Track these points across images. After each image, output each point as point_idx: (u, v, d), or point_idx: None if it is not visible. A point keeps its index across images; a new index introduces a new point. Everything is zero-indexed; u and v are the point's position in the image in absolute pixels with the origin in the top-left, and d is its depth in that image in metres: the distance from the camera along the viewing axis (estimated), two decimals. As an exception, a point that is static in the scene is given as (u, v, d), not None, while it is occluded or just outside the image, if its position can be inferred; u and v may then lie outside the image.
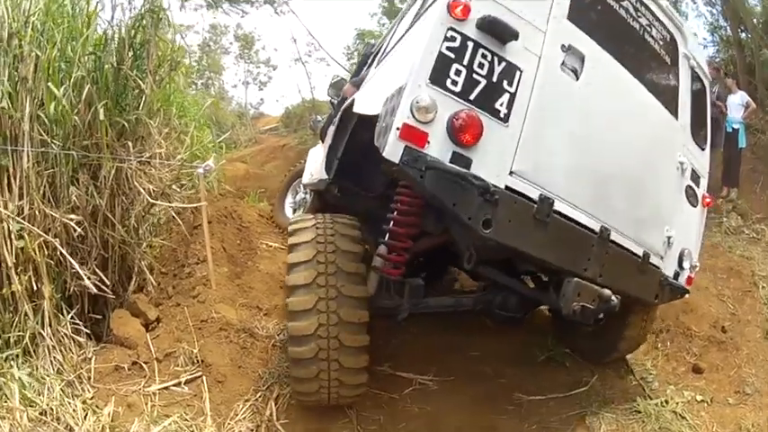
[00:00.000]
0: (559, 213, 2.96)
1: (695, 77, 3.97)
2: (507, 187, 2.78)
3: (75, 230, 3.79)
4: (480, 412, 3.86)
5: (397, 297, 3.52)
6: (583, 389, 4.21)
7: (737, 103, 8.77)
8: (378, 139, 2.76)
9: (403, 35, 3.86)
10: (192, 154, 5.26)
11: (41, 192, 3.76)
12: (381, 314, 3.53)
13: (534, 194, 2.86)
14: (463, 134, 2.63)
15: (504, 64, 2.77)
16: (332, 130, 4.62)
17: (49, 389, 3.29)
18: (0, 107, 3.64)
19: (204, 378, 3.76)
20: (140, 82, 4.19)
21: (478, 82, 2.71)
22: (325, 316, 3.13)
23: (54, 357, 3.51)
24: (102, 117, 3.80)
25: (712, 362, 4.88)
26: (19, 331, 3.47)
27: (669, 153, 3.67)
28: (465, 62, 2.68)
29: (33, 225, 3.61)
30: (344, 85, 5.54)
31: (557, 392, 4.15)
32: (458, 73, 2.67)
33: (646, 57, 3.63)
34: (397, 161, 2.56)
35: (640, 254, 3.43)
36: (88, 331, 3.94)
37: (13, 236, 3.50)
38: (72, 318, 3.80)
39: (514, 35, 2.75)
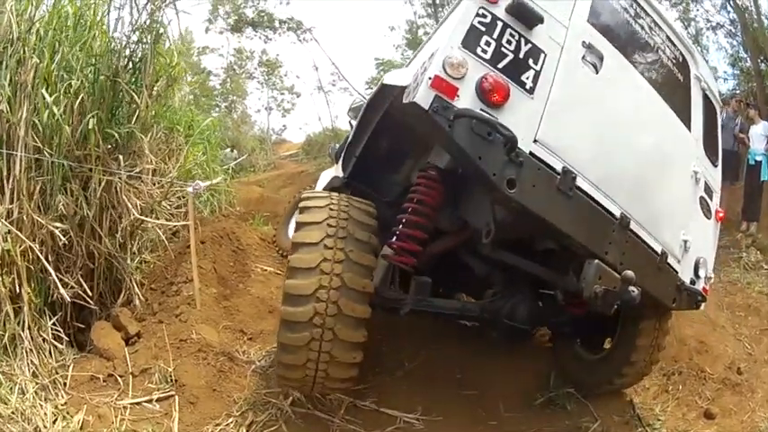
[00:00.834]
0: (581, 190, 3.13)
1: (706, 99, 4.18)
2: (531, 154, 3.00)
3: (60, 239, 4.08)
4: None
5: (401, 292, 3.64)
6: (583, 437, 4.17)
7: (761, 134, 8.82)
8: (408, 95, 3.02)
9: (428, 40, 4.16)
10: (187, 171, 5.50)
11: (32, 197, 4.07)
12: (384, 306, 3.62)
13: (558, 166, 3.07)
14: (492, 94, 2.88)
15: (529, 45, 3.08)
16: (354, 126, 4.71)
17: (23, 390, 3.52)
18: (-2, 110, 3.98)
19: (176, 398, 3.86)
20: (135, 96, 4.52)
21: (506, 55, 3.00)
22: (324, 305, 3.12)
23: (30, 360, 3.75)
24: (90, 127, 4.12)
25: (725, 406, 4.82)
26: (0, 331, 3.73)
27: (684, 160, 3.84)
28: (494, 36, 2.99)
29: (21, 229, 3.92)
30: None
31: (554, 440, 4.13)
32: (488, 44, 2.97)
33: (660, 70, 3.89)
34: (426, 107, 2.79)
35: (659, 251, 3.53)
36: (69, 339, 4.21)
37: (0, 237, 3.80)
38: (54, 324, 4.07)
39: (540, 19, 3.08)
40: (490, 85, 2.87)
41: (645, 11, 3.77)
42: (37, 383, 3.63)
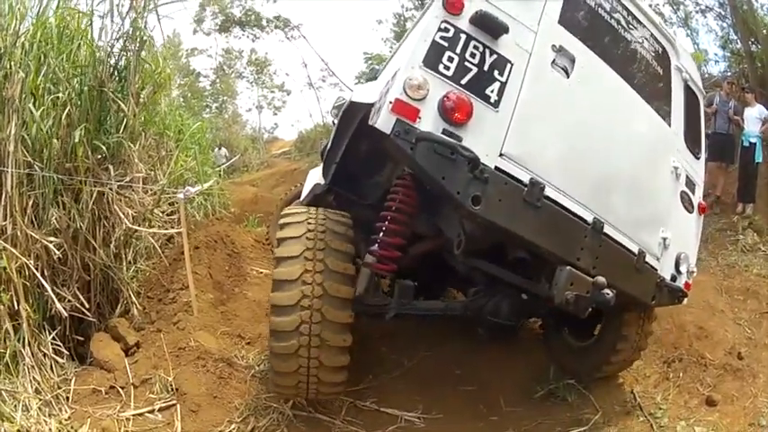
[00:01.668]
0: (550, 200, 3.22)
1: (688, 90, 4.26)
2: (497, 168, 3.09)
3: (55, 253, 4.16)
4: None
5: (386, 297, 3.79)
6: (584, 428, 4.22)
7: (755, 117, 8.90)
8: (372, 117, 3.12)
9: (399, 46, 4.24)
10: (178, 176, 5.59)
11: (25, 213, 4.15)
12: (369, 313, 3.79)
13: (525, 178, 3.16)
14: (453, 113, 2.97)
15: (495, 56, 3.16)
16: (332, 134, 4.86)
17: (27, 407, 3.61)
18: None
19: (178, 407, 3.95)
20: (122, 104, 4.60)
21: (470, 69, 3.09)
22: (309, 313, 3.34)
23: (33, 377, 3.84)
24: (77, 139, 4.21)
25: (727, 392, 4.85)
26: (1, 349, 3.81)
27: (662, 156, 3.93)
28: (457, 51, 3.07)
29: (16, 246, 4.00)
30: None
31: (556, 432, 4.21)
32: (450, 60, 3.06)
33: (636, 65, 3.96)
34: (388, 132, 2.90)
35: (635, 251, 3.64)
36: (70, 353, 4.30)
37: (-5, 255, 3.89)
38: (54, 338, 4.16)
39: (505, 29, 3.14)
40: (452, 104, 2.96)
41: (621, 4, 3.82)
42: (40, 399, 3.72)
